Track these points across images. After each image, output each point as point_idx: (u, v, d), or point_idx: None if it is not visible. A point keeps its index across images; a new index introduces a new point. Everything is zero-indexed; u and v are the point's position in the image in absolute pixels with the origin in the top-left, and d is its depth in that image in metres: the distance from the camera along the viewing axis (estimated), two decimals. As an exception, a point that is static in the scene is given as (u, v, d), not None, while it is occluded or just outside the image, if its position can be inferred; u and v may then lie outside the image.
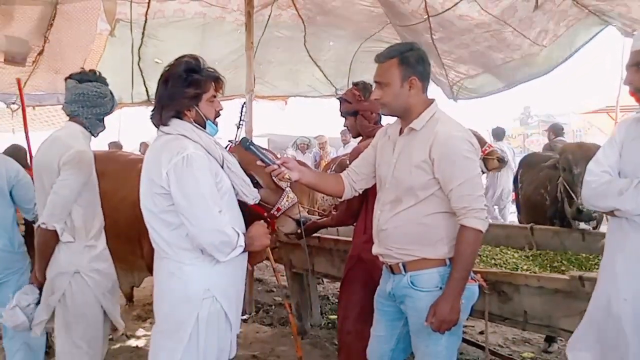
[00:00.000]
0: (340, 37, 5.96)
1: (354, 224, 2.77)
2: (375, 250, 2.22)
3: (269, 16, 5.56)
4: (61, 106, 2.53)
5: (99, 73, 2.49)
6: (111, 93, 2.51)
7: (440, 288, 2.03)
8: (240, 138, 2.34)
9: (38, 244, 2.35)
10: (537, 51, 4.56)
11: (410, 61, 2.05)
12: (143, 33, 5.52)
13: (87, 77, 2.42)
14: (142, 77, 5.95)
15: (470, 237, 1.95)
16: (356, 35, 5.79)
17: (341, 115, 2.79)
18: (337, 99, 2.84)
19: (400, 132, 2.15)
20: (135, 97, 6.10)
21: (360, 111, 2.70)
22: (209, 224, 1.92)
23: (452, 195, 1.97)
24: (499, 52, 4.77)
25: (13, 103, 5.47)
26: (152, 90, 5.95)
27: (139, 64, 5.79)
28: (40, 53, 5.16)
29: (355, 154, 2.60)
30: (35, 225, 2.34)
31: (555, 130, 7.24)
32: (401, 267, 2.09)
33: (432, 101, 2.13)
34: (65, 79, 2.45)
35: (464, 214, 1.95)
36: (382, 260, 2.20)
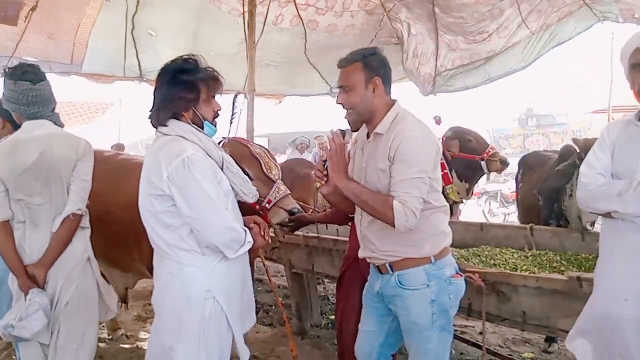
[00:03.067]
0: (343, 47, 5.96)
1: (349, 224, 2.76)
2: (361, 253, 2.26)
3: (267, 12, 5.48)
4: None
5: (39, 67, 2.48)
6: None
7: (428, 285, 2.07)
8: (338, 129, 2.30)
9: (66, 234, 2.35)
10: (524, 38, 4.57)
11: (372, 64, 2.11)
12: (138, 1, 5.43)
13: (39, 77, 2.42)
14: (135, 48, 5.82)
15: (389, 206, 1.94)
16: (358, 41, 5.78)
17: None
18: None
19: (368, 136, 2.19)
20: (127, 71, 6.00)
21: None
22: (219, 222, 1.93)
23: (393, 186, 1.99)
24: (487, 40, 4.80)
25: (5, 65, 5.40)
26: (145, 64, 5.89)
27: (132, 33, 5.67)
28: (33, 9, 5.00)
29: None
30: (64, 215, 2.34)
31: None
32: (388, 267, 2.13)
33: (394, 102, 2.16)
34: (8, 79, 2.39)
35: (398, 199, 1.96)
36: (370, 262, 2.25)
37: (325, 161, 2.13)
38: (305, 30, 5.75)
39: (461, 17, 4.85)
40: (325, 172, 2.11)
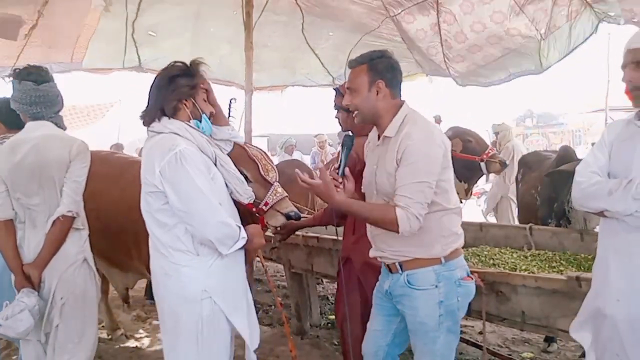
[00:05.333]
0: (340, 27, 5.93)
1: (341, 225, 2.76)
2: (372, 253, 2.25)
3: (266, 2, 5.54)
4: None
5: (47, 69, 2.50)
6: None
7: (436, 286, 2.07)
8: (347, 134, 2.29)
9: (57, 235, 2.36)
10: (534, 41, 4.54)
11: (378, 67, 2.10)
12: (138, 7, 5.47)
13: (43, 78, 2.43)
14: (135, 45, 5.89)
15: (392, 215, 1.96)
16: (355, 28, 5.78)
17: (334, 107, 2.77)
18: (333, 89, 2.80)
19: (379, 138, 2.19)
20: (127, 63, 6.06)
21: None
22: (213, 217, 1.93)
23: (397, 191, 2.00)
24: (496, 44, 4.79)
25: (8, 76, 5.40)
26: (144, 57, 5.94)
27: (132, 36, 5.75)
28: (34, 27, 5.07)
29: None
30: (55, 217, 2.34)
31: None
32: (398, 267, 2.13)
33: (401, 104, 2.15)
34: (14, 78, 2.43)
35: (400, 206, 1.97)
36: (380, 260, 2.23)
37: (338, 167, 2.14)
38: (302, 13, 5.74)
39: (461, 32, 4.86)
40: (340, 180, 2.11)
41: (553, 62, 4.61)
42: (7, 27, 4.95)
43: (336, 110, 2.75)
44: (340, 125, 2.80)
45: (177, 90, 2.04)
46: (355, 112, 2.17)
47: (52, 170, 2.38)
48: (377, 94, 2.10)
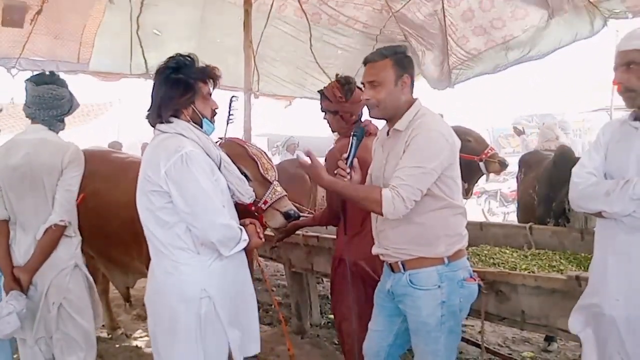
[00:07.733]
0: (348, 46, 5.98)
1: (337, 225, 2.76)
2: (374, 250, 2.24)
3: (271, 6, 5.56)
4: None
5: (58, 75, 2.52)
6: (70, 94, 2.53)
7: (439, 286, 2.06)
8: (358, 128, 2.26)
9: (49, 243, 2.37)
10: (542, 25, 4.53)
11: (403, 62, 2.12)
12: (142, 2, 5.49)
13: (43, 80, 2.45)
14: (141, 47, 5.90)
15: (376, 195, 1.96)
16: (363, 39, 5.80)
17: (321, 110, 2.78)
18: (318, 92, 2.81)
19: (388, 133, 2.19)
20: (134, 69, 6.08)
21: (339, 112, 2.67)
22: (216, 219, 1.94)
23: (394, 173, 1.99)
24: (501, 27, 4.81)
25: (13, 67, 5.34)
26: (151, 62, 5.94)
27: (137, 33, 5.75)
28: (39, 12, 5.09)
29: (331, 158, 2.59)
30: (47, 225, 2.35)
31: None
32: (400, 266, 2.12)
33: (415, 100, 2.15)
34: (25, 81, 2.47)
35: (390, 186, 1.96)
36: (382, 259, 2.23)
37: (347, 157, 2.14)
38: (309, 23, 5.76)
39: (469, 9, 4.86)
40: (347, 170, 2.11)
41: (553, 49, 4.61)
42: (13, 13, 4.96)
43: (324, 113, 2.76)
44: (329, 125, 2.81)
45: (175, 102, 2.03)
46: (374, 109, 2.14)
47: (42, 174, 2.38)
48: (402, 88, 2.10)
